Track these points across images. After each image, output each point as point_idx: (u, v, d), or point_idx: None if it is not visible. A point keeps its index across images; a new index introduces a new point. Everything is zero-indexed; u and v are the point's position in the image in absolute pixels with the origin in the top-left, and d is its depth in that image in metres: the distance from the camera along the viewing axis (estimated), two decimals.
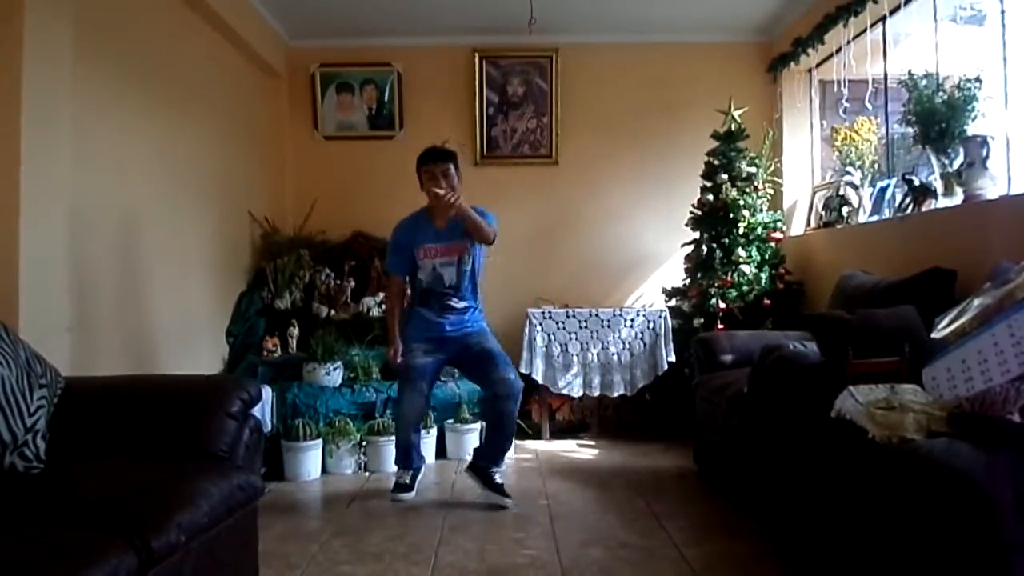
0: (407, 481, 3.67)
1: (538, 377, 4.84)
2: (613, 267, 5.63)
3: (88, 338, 3.06)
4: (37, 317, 2.64)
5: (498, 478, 3.59)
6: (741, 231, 4.75)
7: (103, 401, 2.34)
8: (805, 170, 5.41)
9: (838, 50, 4.61)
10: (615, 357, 4.95)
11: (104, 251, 3.30)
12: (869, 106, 4.40)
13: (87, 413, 2.29)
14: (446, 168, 3.58)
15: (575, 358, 4.94)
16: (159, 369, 3.62)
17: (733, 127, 4.90)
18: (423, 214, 3.71)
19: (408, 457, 3.72)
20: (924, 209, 3.65)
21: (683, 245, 5.09)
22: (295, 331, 4.76)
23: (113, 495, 1.83)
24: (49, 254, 2.77)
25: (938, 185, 3.55)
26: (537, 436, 4.91)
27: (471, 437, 4.50)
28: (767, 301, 4.66)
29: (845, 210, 4.62)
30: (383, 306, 5.11)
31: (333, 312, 5.00)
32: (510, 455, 4.47)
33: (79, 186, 3.01)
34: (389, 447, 4.22)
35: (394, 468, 4.25)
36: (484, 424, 3.84)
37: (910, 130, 3.66)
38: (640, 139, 5.58)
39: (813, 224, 5.10)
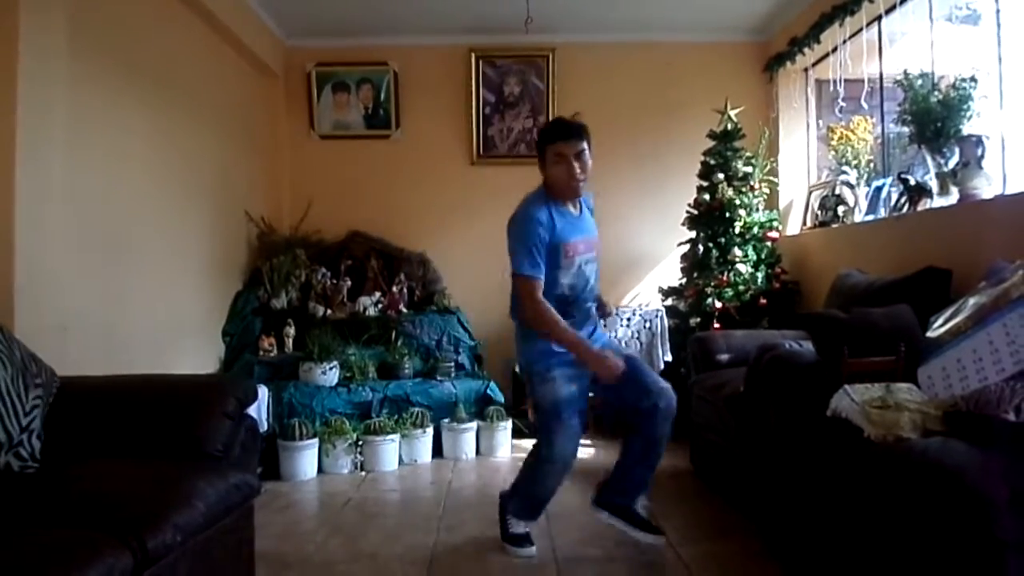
0: (530, 531, 3.01)
1: None
2: (609, 266, 5.58)
3: (84, 337, 3.05)
4: (32, 316, 2.64)
5: (642, 509, 2.96)
6: (737, 230, 4.76)
7: (98, 401, 2.34)
8: (801, 169, 5.42)
9: (834, 49, 4.62)
10: None
11: (100, 250, 3.29)
12: (865, 105, 4.41)
13: (82, 413, 2.28)
14: (580, 149, 2.77)
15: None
16: (155, 368, 3.59)
17: (729, 126, 4.90)
18: (550, 198, 2.83)
19: (540, 511, 3.04)
20: (919, 208, 3.66)
21: (679, 244, 5.09)
22: (291, 330, 4.76)
23: (108, 495, 1.83)
24: (44, 253, 2.77)
25: (933, 184, 3.55)
26: (534, 435, 4.90)
27: (468, 436, 4.50)
28: (763, 300, 4.66)
29: (841, 209, 4.62)
30: (379, 305, 5.11)
31: (329, 311, 4.99)
32: (505, 455, 4.49)
33: (74, 185, 3.00)
34: (385, 447, 4.23)
35: (392, 468, 4.26)
36: (626, 449, 2.97)
37: (906, 129, 3.67)
38: (636, 139, 5.59)
39: (809, 223, 5.11)
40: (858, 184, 4.57)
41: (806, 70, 5.30)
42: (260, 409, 4.02)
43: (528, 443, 4.70)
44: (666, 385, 2.85)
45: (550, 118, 5.53)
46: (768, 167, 5.15)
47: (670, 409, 2.82)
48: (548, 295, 2.76)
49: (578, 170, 2.76)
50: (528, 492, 2.95)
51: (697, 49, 5.58)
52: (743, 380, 3.14)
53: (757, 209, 4.87)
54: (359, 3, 5.01)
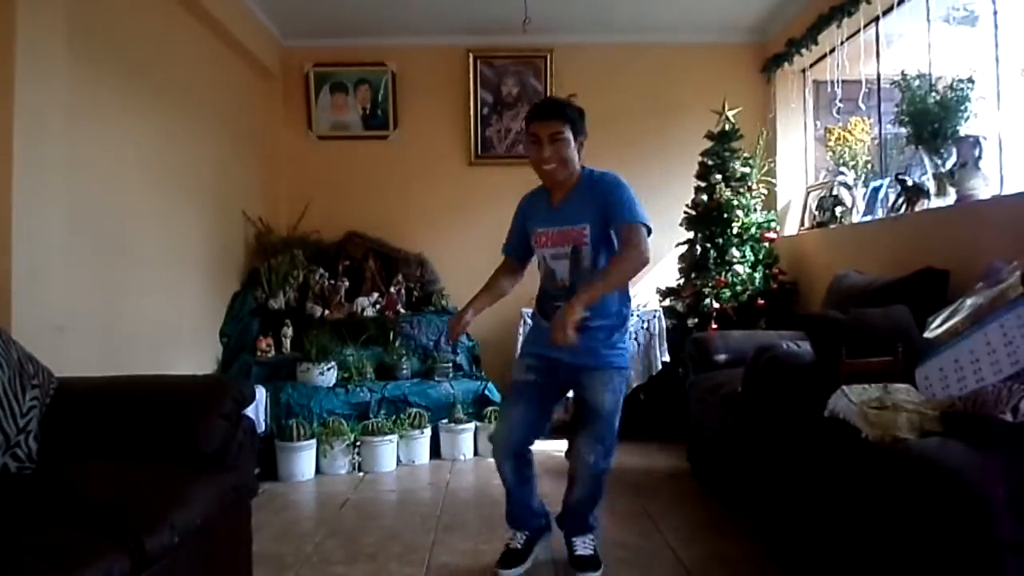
0: (518, 546, 2.75)
1: None
2: None
3: (81, 338, 3.04)
4: (29, 317, 2.64)
5: (580, 548, 2.72)
6: (735, 231, 4.76)
7: (96, 402, 2.33)
8: (799, 170, 5.42)
9: (831, 50, 4.63)
10: None
11: (97, 251, 3.28)
12: (862, 106, 4.42)
13: (80, 414, 2.28)
14: (557, 130, 2.54)
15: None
16: (152, 369, 3.59)
17: (727, 127, 4.91)
18: (544, 188, 2.75)
19: (513, 512, 2.78)
20: (917, 209, 3.66)
21: (677, 245, 5.09)
22: (289, 331, 4.76)
23: (106, 496, 1.83)
24: (41, 254, 2.76)
25: (931, 185, 3.56)
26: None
27: (466, 437, 4.50)
28: (761, 301, 4.66)
29: (838, 210, 4.63)
30: (377, 306, 5.11)
31: (327, 312, 4.99)
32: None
33: (72, 185, 3.00)
34: (383, 447, 4.22)
35: (389, 469, 4.26)
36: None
37: (903, 130, 3.67)
38: (634, 139, 5.58)
39: (807, 224, 5.11)
40: (855, 185, 4.58)
41: (804, 71, 5.31)
42: (258, 410, 4.02)
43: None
44: (585, 457, 2.60)
45: None
46: (766, 168, 5.15)
47: (580, 479, 2.65)
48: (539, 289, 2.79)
49: (548, 154, 2.55)
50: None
51: (695, 50, 5.58)
52: (741, 381, 3.14)
53: (755, 210, 4.87)
54: (357, 4, 5.00)
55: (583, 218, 2.59)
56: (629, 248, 2.48)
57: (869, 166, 4.58)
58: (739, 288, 4.68)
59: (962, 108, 3.36)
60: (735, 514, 3.28)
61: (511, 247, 2.88)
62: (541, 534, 2.83)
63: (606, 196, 2.59)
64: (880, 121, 4.43)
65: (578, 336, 2.41)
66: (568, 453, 2.73)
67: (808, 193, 5.23)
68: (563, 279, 2.63)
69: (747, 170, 4.88)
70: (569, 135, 2.57)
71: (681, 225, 5.03)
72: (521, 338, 4.83)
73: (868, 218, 4.29)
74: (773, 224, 4.96)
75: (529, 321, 4.88)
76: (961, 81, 3.37)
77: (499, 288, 2.89)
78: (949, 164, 3.43)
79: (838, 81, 4.58)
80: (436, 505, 3.59)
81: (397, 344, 4.83)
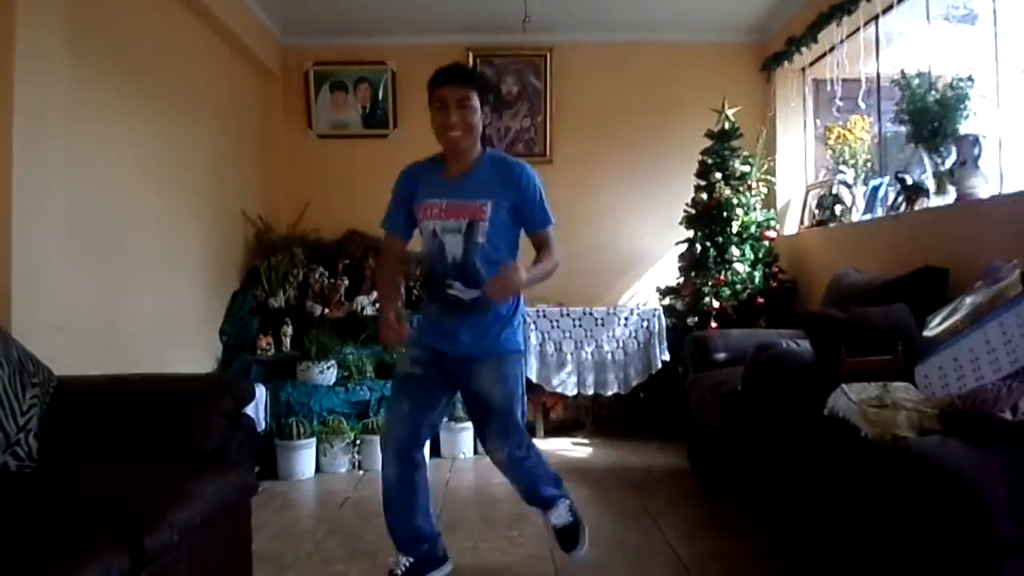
0: (399, 572, 2.50)
1: (532, 376, 4.84)
2: (607, 266, 5.63)
3: (80, 337, 3.04)
4: (29, 316, 2.63)
5: (554, 518, 2.60)
6: (735, 230, 4.76)
7: (95, 400, 2.33)
8: (798, 169, 5.42)
9: (831, 49, 4.62)
10: (609, 356, 4.96)
11: (97, 250, 3.28)
12: (862, 105, 4.41)
13: (79, 412, 2.28)
14: (464, 95, 2.40)
15: (569, 356, 4.95)
16: (152, 368, 3.58)
17: (727, 126, 4.91)
18: (437, 159, 2.56)
19: (394, 528, 2.54)
20: (917, 208, 3.66)
21: (677, 243, 5.09)
22: (289, 330, 4.76)
23: (106, 494, 1.83)
24: (41, 253, 2.76)
25: (931, 184, 3.56)
26: (531, 434, 4.90)
27: (465, 435, 4.50)
28: (760, 300, 4.67)
29: (838, 209, 4.62)
30: (376, 304, 5.10)
31: (327, 311, 4.99)
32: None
33: (71, 184, 3.00)
34: None
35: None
36: None
37: (903, 129, 3.67)
38: (634, 138, 5.58)
39: (806, 223, 5.11)
40: (855, 183, 4.57)
41: (803, 70, 5.30)
42: (258, 408, 4.02)
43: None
44: (496, 456, 2.52)
45: (548, 118, 5.56)
46: (765, 166, 5.15)
47: (510, 476, 2.57)
48: (423, 273, 2.56)
49: (455, 119, 2.37)
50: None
51: (694, 49, 5.58)
52: (740, 379, 3.14)
53: (754, 208, 4.88)
54: (357, 2, 5.00)
55: (484, 195, 2.42)
56: (551, 255, 2.48)
57: (869, 165, 4.58)
58: (739, 287, 4.69)
59: (962, 107, 3.36)
60: (735, 512, 3.28)
61: (396, 221, 2.58)
62: (431, 568, 2.53)
63: (520, 190, 2.46)
64: (880, 120, 4.43)
65: (461, 323, 2.41)
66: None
67: (808, 192, 5.23)
68: (454, 255, 2.41)
69: (747, 169, 4.89)
70: (476, 102, 2.43)
71: (681, 224, 5.03)
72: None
73: (868, 217, 4.29)
74: (773, 223, 4.96)
75: (528, 319, 4.91)
76: (961, 80, 3.37)
77: (399, 279, 2.63)
78: (949, 163, 3.43)
79: (838, 80, 4.58)
80: (436, 504, 3.57)
81: None
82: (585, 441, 4.89)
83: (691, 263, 4.91)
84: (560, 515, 2.58)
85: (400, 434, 2.49)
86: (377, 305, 2.60)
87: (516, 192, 2.46)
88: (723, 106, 4.93)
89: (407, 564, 2.50)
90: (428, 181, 2.52)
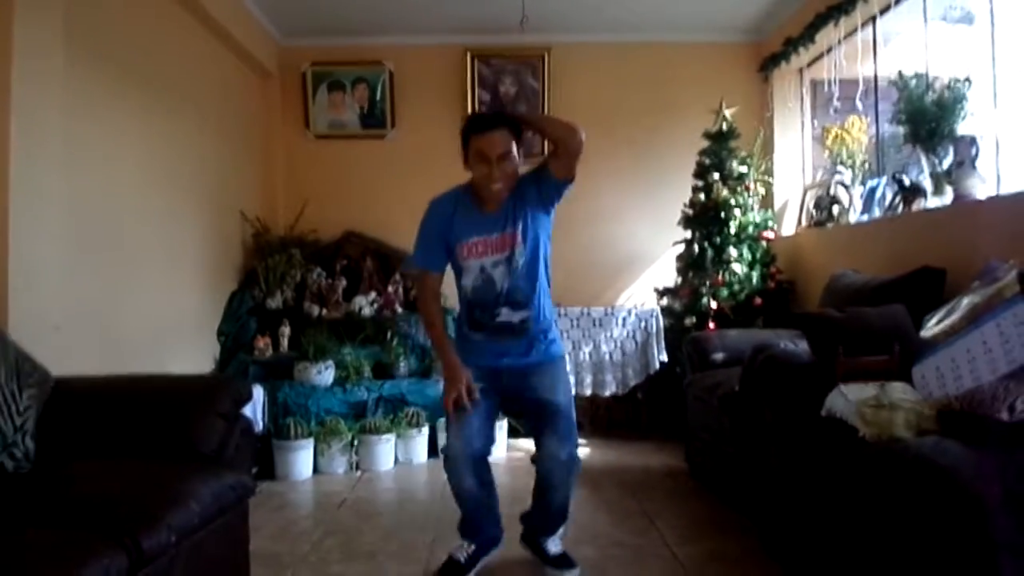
0: (461, 559, 2.68)
1: None
2: (605, 266, 5.63)
3: (78, 337, 3.04)
4: (26, 316, 2.63)
5: (553, 547, 2.74)
6: (732, 230, 4.76)
7: (93, 401, 2.33)
8: (796, 169, 5.43)
9: (829, 50, 4.63)
10: (607, 356, 4.96)
11: (94, 250, 3.28)
12: (860, 105, 4.41)
13: (77, 413, 2.28)
14: (506, 149, 2.47)
15: (567, 357, 4.93)
16: (150, 368, 3.58)
17: (724, 126, 4.91)
18: (466, 193, 2.61)
19: (469, 524, 2.73)
20: (914, 208, 3.66)
21: (675, 244, 5.10)
22: (286, 330, 4.75)
23: (103, 495, 1.83)
24: (38, 253, 2.76)
25: (928, 184, 3.56)
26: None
27: None
28: (758, 300, 4.67)
29: (836, 209, 4.63)
30: (375, 305, 5.10)
31: (324, 311, 4.99)
32: (500, 456, 4.49)
33: (69, 185, 2.99)
34: (380, 446, 4.22)
35: (387, 468, 4.25)
36: (533, 491, 2.76)
37: (900, 129, 3.67)
38: (632, 138, 5.59)
39: (804, 223, 5.11)
40: (853, 184, 4.58)
41: (801, 70, 5.31)
42: (255, 409, 4.02)
43: (521, 442, 4.72)
44: (558, 456, 2.57)
45: None
46: (763, 167, 5.16)
47: (554, 484, 2.62)
48: (461, 302, 2.66)
49: (497, 175, 2.46)
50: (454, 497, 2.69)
51: (692, 49, 5.59)
52: (738, 380, 3.14)
53: (752, 209, 4.88)
54: (354, 2, 5.00)
55: (512, 222, 2.53)
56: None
57: (866, 165, 4.59)
58: (736, 287, 4.69)
59: (959, 108, 3.37)
60: (732, 513, 3.28)
61: (433, 258, 2.63)
62: (489, 549, 2.74)
63: (528, 182, 2.56)
64: (877, 120, 4.44)
65: (516, 339, 2.56)
66: (535, 457, 2.65)
67: (805, 192, 5.23)
68: (502, 285, 2.54)
69: (744, 169, 4.89)
70: (515, 148, 2.49)
71: (679, 224, 5.03)
72: None
73: (865, 217, 4.29)
74: (770, 223, 4.97)
75: None
76: (958, 81, 3.38)
77: (444, 324, 2.73)
78: (946, 163, 3.44)
79: (835, 80, 4.58)
80: (434, 504, 3.58)
81: (395, 343, 4.83)
82: (583, 441, 4.88)
83: (689, 264, 4.91)
84: (558, 544, 2.76)
85: (476, 446, 2.60)
86: (440, 359, 2.65)
87: (525, 186, 2.55)
88: (721, 107, 4.93)
89: (471, 548, 2.69)
90: (464, 218, 2.57)
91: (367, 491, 3.84)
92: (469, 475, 2.60)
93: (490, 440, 2.69)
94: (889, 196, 4.03)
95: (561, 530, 2.78)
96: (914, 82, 3.55)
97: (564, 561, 2.70)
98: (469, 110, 5.55)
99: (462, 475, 2.60)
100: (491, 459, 2.72)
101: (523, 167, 2.58)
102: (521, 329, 2.57)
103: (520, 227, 2.52)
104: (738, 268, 4.71)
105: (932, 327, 2.59)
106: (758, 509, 2.98)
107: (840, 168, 4.66)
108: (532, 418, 2.71)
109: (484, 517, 2.72)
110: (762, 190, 5.09)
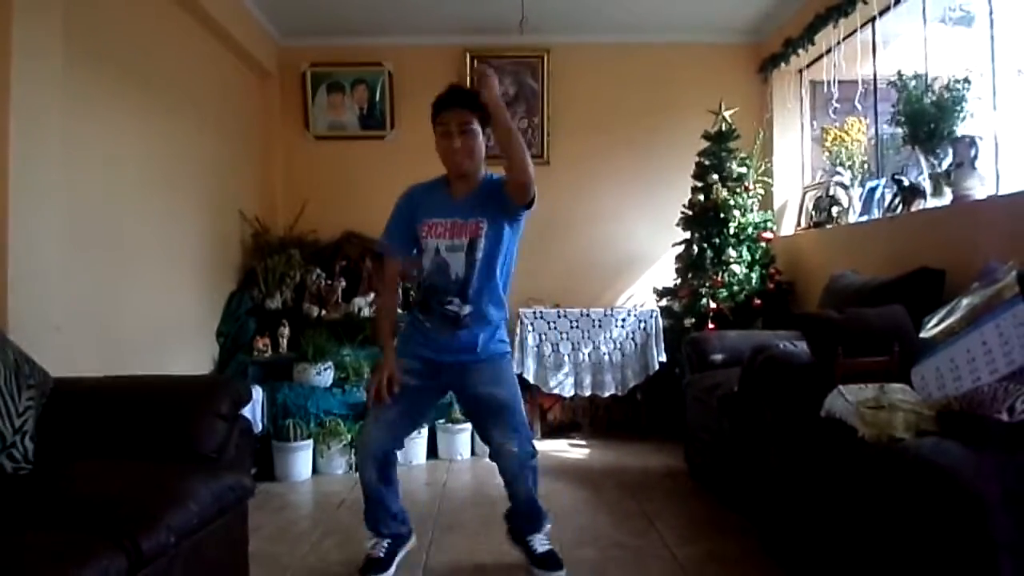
0: (380, 554, 2.67)
1: (529, 377, 4.84)
2: (604, 267, 5.63)
3: (77, 338, 3.04)
4: (25, 317, 2.63)
5: (539, 546, 2.71)
6: (732, 231, 4.76)
7: (92, 401, 2.33)
8: (795, 170, 5.43)
9: (828, 51, 4.63)
10: (606, 357, 4.96)
11: (94, 250, 3.28)
12: (859, 106, 4.42)
13: (76, 414, 2.28)
14: (466, 120, 2.50)
15: (566, 358, 4.95)
16: (149, 369, 3.58)
17: (724, 127, 4.91)
18: (441, 180, 2.68)
19: (373, 519, 2.71)
20: (913, 209, 3.67)
21: (674, 245, 5.09)
22: (286, 331, 4.75)
23: (102, 496, 1.83)
24: (37, 253, 2.76)
25: (927, 185, 3.56)
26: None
27: (463, 437, 4.50)
28: (758, 301, 4.67)
29: (835, 210, 4.63)
30: (374, 306, 5.10)
31: (324, 312, 4.99)
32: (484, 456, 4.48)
33: (68, 185, 2.99)
34: None
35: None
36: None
37: (900, 130, 3.67)
38: (631, 139, 5.59)
39: (803, 224, 5.12)
40: (852, 185, 4.58)
41: (800, 71, 5.31)
42: (254, 410, 4.01)
43: None
44: (510, 448, 2.57)
45: (545, 119, 5.56)
46: (762, 168, 5.16)
47: (514, 476, 2.61)
48: (418, 286, 2.69)
49: (457, 144, 2.49)
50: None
51: (692, 50, 5.59)
52: (737, 381, 3.14)
53: (752, 210, 4.88)
54: (354, 3, 5.00)
55: (481, 213, 2.54)
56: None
57: (865, 166, 4.59)
58: (736, 288, 4.69)
59: (958, 108, 3.37)
60: (732, 513, 3.28)
61: (397, 239, 2.68)
62: (403, 543, 2.76)
63: (500, 186, 2.54)
64: (876, 121, 4.44)
65: (459, 334, 2.56)
66: (492, 455, 2.65)
67: (805, 193, 5.23)
68: (457, 273, 2.55)
69: (744, 170, 4.89)
70: (478, 126, 2.52)
71: (678, 225, 5.03)
72: (517, 339, 4.85)
73: (864, 218, 4.29)
74: (770, 224, 4.97)
75: (525, 320, 4.91)
76: (957, 82, 3.38)
77: (395, 313, 2.78)
78: (945, 164, 3.44)
79: (835, 81, 4.59)
80: (433, 505, 3.59)
81: None
82: (582, 442, 4.89)
83: (688, 264, 4.91)
84: (544, 543, 2.72)
85: (383, 441, 2.62)
86: (378, 343, 2.68)
87: (500, 191, 2.53)
88: (720, 107, 4.93)
89: (387, 543, 2.70)
90: (431, 201, 2.62)
91: None
92: (371, 468, 2.61)
93: (402, 436, 2.70)
94: (888, 197, 4.03)
95: (547, 527, 2.76)
96: (913, 83, 3.56)
97: (550, 561, 2.68)
98: None
99: (364, 466, 2.62)
100: (491, 461, 2.71)
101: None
102: (463, 323, 2.56)
103: (487, 221, 2.53)
104: (737, 269, 4.71)
105: (931, 328, 2.60)
106: (757, 510, 2.98)
107: (839, 169, 4.66)
108: (478, 415, 2.71)
109: (382, 514, 2.69)
110: (761, 191, 5.09)
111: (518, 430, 2.60)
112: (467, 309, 2.56)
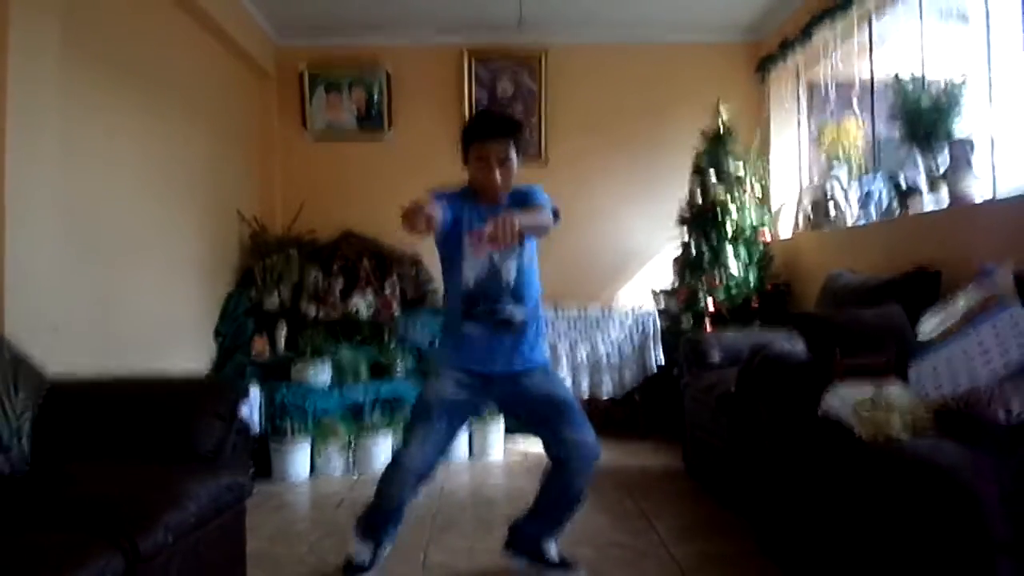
0: (365, 560, 2.58)
1: None
2: (602, 267, 5.63)
3: (74, 338, 3.04)
4: (22, 317, 2.63)
5: (553, 551, 2.67)
6: (729, 231, 4.76)
7: (89, 402, 2.33)
8: (793, 170, 5.44)
9: (825, 51, 4.63)
10: (604, 358, 4.96)
11: (91, 250, 3.27)
12: (856, 107, 4.42)
13: (73, 414, 2.27)
14: (506, 154, 2.47)
15: (564, 358, 4.94)
16: (147, 369, 3.59)
17: (721, 127, 4.91)
18: (467, 192, 2.57)
19: (379, 527, 2.60)
20: (910, 209, 3.67)
21: (672, 245, 5.10)
22: (283, 331, 4.75)
23: (99, 496, 1.83)
24: (34, 253, 2.75)
25: (924, 186, 3.57)
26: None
27: (461, 438, 4.49)
28: (755, 301, 4.67)
29: (832, 210, 4.63)
30: (371, 308, 5.09)
31: (322, 312, 4.98)
32: (498, 456, 4.49)
33: (65, 185, 2.99)
34: (377, 447, 4.22)
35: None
36: (544, 486, 2.65)
37: (896, 131, 3.68)
38: (629, 139, 5.59)
39: (800, 225, 5.12)
40: (849, 185, 4.58)
41: (797, 71, 5.31)
42: (252, 410, 4.01)
43: (519, 443, 4.72)
44: (585, 441, 2.53)
45: (543, 119, 5.56)
46: (760, 168, 5.16)
47: (581, 470, 2.55)
48: (454, 296, 2.56)
49: (498, 178, 2.46)
50: (374, 497, 2.56)
51: (689, 50, 5.59)
52: (735, 380, 3.15)
53: (749, 210, 4.88)
54: (352, 3, 5.01)
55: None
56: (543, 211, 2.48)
57: (862, 167, 4.59)
58: (733, 288, 4.69)
59: (955, 109, 3.37)
60: (729, 513, 3.29)
61: (445, 204, 2.38)
62: (389, 545, 2.68)
63: (527, 199, 2.50)
64: (873, 121, 4.44)
65: (512, 343, 2.52)
66: (551, 451, 2.59)
67: (802, 193, 5.24)
68: (508, 279, 2.51)
69: (741, 170, 4.89)
70: (515, 153, 2.49)
71: (675, 225, 5.03)
72: None
73: (861, 219, 4.30)
74: (767, 224, 4.97)
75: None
76: (954, 82, 3.38)
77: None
78: (942, 165, 3.44)
79: (832, 81, 4.59)
80: (431, 505, 3.58)
81: (392, 344, 4.83)
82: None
83: (686, 265, 4.91)
84: (554, 546, 2.68)
85: (430, 459, 2.52)
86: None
87: (525, 201, 2.50)
88: (717, 107, 4.93)
89: (371, 547, 2.58)
90: (472, 213, 2.49)
91: (364, 492, 3.81)
92: (409, 485, 2.51)
93: (441, 460, 2.61)
94: (885, 197, 4.04)
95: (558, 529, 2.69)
96: (910, 84, 3.56)
97: (568, 564, 2.65)
98: (466, 111, 5.55)
99: (401, 482, 2.50)
100: (492, 460, 2.69)
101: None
102: (520, 326, 2.52)
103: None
104: (735, 269, 4.71)
105: (928, 328, 2.60)
106: (755, 509, 2.99)
107: (836, 169, 4.66)
108: (543, 417, 2.59)
109: (390, 526, 2.62)
110: (759, 191, 5.09)
111: (587, 423, 2.59)
112: (523, 313, 2.53)
